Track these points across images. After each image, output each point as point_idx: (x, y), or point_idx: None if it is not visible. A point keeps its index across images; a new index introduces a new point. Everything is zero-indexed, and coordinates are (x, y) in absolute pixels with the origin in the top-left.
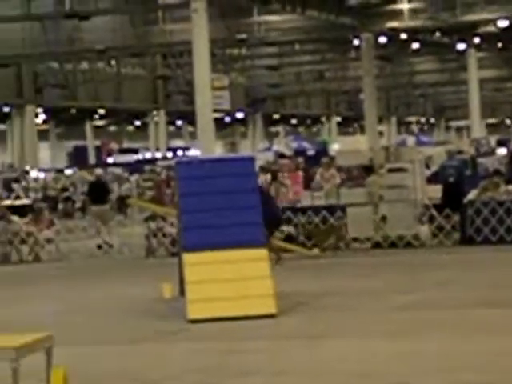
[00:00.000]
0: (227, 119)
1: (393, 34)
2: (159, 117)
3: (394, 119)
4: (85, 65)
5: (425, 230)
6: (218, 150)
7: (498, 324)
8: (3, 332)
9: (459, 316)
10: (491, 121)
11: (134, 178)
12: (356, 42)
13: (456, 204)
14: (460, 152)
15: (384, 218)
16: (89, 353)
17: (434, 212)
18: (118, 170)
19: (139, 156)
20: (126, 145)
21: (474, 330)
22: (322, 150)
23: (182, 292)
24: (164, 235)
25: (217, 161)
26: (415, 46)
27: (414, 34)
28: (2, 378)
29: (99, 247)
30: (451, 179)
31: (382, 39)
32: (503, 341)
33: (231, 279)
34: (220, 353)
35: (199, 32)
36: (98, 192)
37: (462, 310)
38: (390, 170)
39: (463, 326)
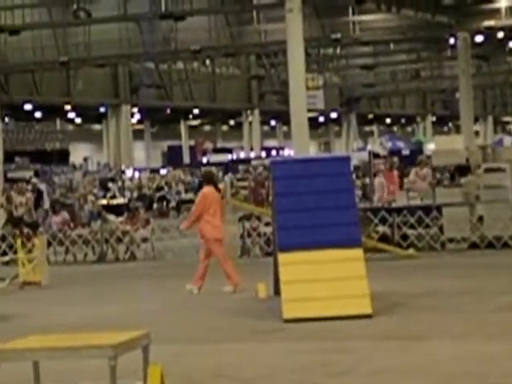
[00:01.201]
0: (321, 119)
1: (489, 32)
2: (253, 116)
3: (490, 119)
4: (180, 65)
5: None
6: (312, 150)
7: None
8: (100, 330)
9: None
10: None
11: (228, 177)
12: (452, 40)
13: None
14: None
15: (481, 219)
16: (184, 351)
17: None
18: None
19: (233, 156)
20: (220, 144)
21: None
22: (417, 150)
23: (277, 292)
24: (259, 235)
25: (312, 160)
26: None
27: (511, 32)
28: (100, 375)
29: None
30: None
31: (479, 38)
32: None
33: (326, 279)
34: (315, 353)
35: (294, 32)
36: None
37: None
38: (487, 170)
39: None
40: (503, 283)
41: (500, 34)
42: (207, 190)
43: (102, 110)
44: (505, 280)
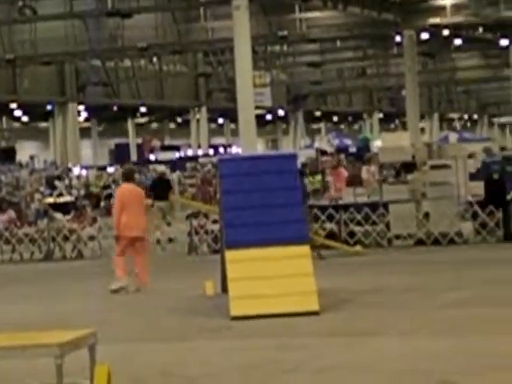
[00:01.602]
0: (269, 116)
1: (435, 30)
2: (201, 114)
3: (436, 116)
4: (127, 62)
5: (468, 227)
6: (260, 148)
7: None
8: (47, 329)
9: (506, 314)
10: None
11: (175, 175)
12: (398, 38)
13: (499, 201)
14: (503, 148)
15: (427, 215)
16: (132, 350)
17: (478, 209)
18: (159, 168)
19: (181, 153)
20: (167, 142)
21: None
22: (364, 147)
23: (225, 289)
24: (206, 232)
25: (259, 158)
26: (458, 42)
27: (456, 30)
28: (47, 374)
29: (170, 240)
30: (495, 176)
31: (424, 35)
32: None
33: (274, 276)
34: (262, 350)
35: (241, 29)
36: (161, 188)
37: (508, 308)
38: (433, 167)
39: (509, 324)
40: (449, 280)
41: (445, 32)
42: (124, 187)
43: (49, 107)
44: (451, 276)
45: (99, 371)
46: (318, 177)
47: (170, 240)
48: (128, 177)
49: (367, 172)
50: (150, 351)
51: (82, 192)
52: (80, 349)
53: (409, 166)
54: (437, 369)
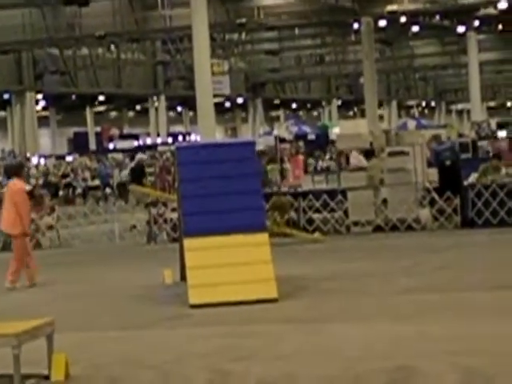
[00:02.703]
0: (227, 104)
1: (392, 17)
2: (159, 102)
3: (394, 103)
4: (84, 51)
5: (426, 214)
6: (219, 135)
7: (501, 306)
8: (3, 319)
9: (462, 299)
10: (492, 104)
11: (134, 163)
12: (356, 25)
13: (453, 187)
14: (460, 135)
15: (385, 202)
16: (90, 338)
17: (435, 195)
18: (118, 156)
19: (140, 142)
20: (126, 130)
21: (477, 312)
22: (323, 134)
23: (183, 277)
24: (165, 221)
25: (217, 146)
26: (415, 29)
27: (413, 17)
28: (4, 364)
29: (134, 227)
30: (447, 163)
31: (382, 22)
32: (507, 323)
33: (232, 264)
34: (221, 337)
35: (198, 17)
36: (138, 174)
37: (465, 292)
38: (391, 154)
39: (466, 309)
40: (407, 265)
41: (403, 19)
42: (10, 183)
43: (6, 96)
44: (409, 262)
45: (57, 360)
46: (278, 165)
47: (135, 227)
48: (13, 172)
49: (355, 158)
50: (109, 339)
51: (41, 181)
52: (37, 338)
53: (367, 153)
54: (396, 354)
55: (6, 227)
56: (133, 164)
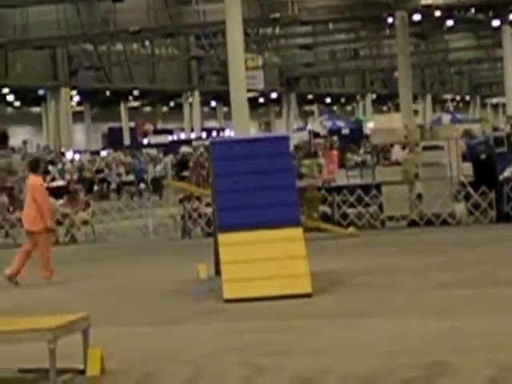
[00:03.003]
0: (261, 99)
1: (427, 11)
2: (193, 97)
3: (429, 97)
4: (119, 46)
5: (461, 208)
6: (253, 130)
7: None
8: (41, 313)
9: (497, 294)
10: None
11: (168, 158)
12: (390, 19)
13: (488, 181)
14: (496, 129)
15: (420, 196)
16: (125, 333)
17: (470, 189)
18: (152, 151)
19: (174, 137)
20: (160, 126)
21: (511, 308)
22: (357, 129)
23: (218, 272)
24: (199, 216)
25: (251, 141)
26: (450, 23)
27: (448, 11)
28: (40, 359)
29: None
30: (482, 157)
31: (417, 17)
32: None
33: (266, 259)
34: (255, 332)
35: (232, 12)
36: (183, 167)
37: (500, 288)
38: (426, 148)
39: (501, 305)
40: (442, 260)
41: (437, 13)
42: (28, 180)
43: (41, 92)
44: (444, 257)
45: (92, 355)
46: (315, 160)
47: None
48: (32, 168)
49: (396, 153)
50: (144, 334)
51: (75, 176)
52: (73, 333)
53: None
54: (430, 349)
55: (28, 224)
56: (178, 157)
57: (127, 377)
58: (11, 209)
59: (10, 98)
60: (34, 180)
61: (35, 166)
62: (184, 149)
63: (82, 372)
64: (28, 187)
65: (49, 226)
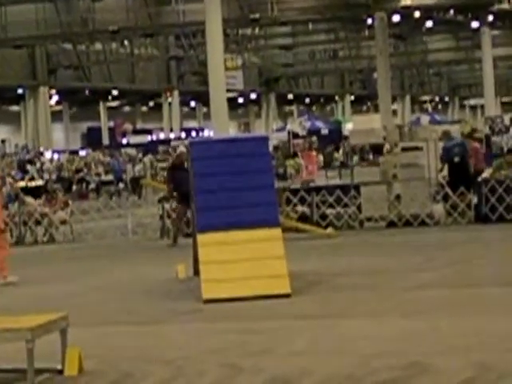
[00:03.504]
0: (241, 99)
1: (406, 12)
2: (173, 97)
3: (408, 98)
4: (98, 45)
5: (439, 209)
6: (232, 131)
7: None
8: (18, 313)
9: (475, 295)
10: (506, 99)
11: (147, 158)
12: (369, 20)
13: (462, 183)
14: (474, 130)
15: (398, 197)
16: (103, 333)
17: (449, 190)
18: (131, 151)
19: (153, 137)
20: (139, 125)
21: (489, 308)
22: (336, 130)
23: (197, 272)
24: None
25: (231, 141)
26: (429, 24)
27: (427, 12)
28: (18, 358)
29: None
30: (456, 159)
31: (396, 18)
32: None
33: (245, 259)
34: (234, 333)
35: (212, 12)
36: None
37: (478, 289)
38: (404, 149)
39: (479, 305)
40: (420, 261)
41: (417, 14)
42: None
43: (20, 91)
44: (422, 258)
45: (70, 354)
46: (296, 160)
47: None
48: None
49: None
50: (121, 334)
51: (54, 176)
52: (51, 333)
53: (378, 148)
54: (409, 350)
55: None
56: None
57: (104, 377)
58: None
59: None
60: None
61: None
62: (181, 148)
63: (60, 372)
64: None
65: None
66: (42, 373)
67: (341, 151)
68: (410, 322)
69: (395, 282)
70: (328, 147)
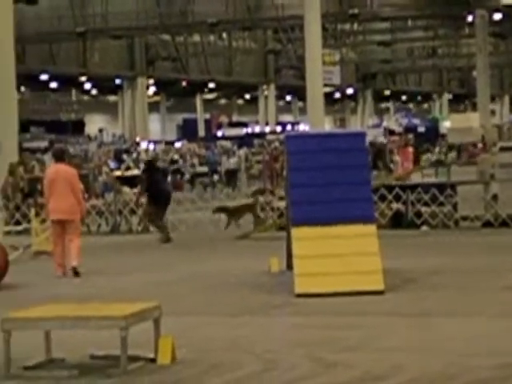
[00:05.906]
0: (337, 95)
1: (508, 10)
2: (269, 91)
3: (507, 97)
4: (196, 38)
5: None
6: (328, 126)
7: None
8: (113, 301)
9: None
10: None
11: (242, 151)
12: (470, 18)
13: None
14: None
15: (495, 197)
16: (195, 323)
17: None
18: (226, 144)
19: (248, 130)
20: (235, 118)
21: None
22: (433, 127)
23: (290, 266)
24: (272, 209)
25: (327, 136)
26: None
27: None
28: (112, 346)
29: None
30: None
31: (497, 16)
32: None
33: (339, 254)
34: (324, 328)
35: (311, 6)
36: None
37: None
38: (502, 149)
39: None
40: None
41: None
42: (50, 168)
43: (118, 81)
44: None
45: (163, 343)
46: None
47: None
48: (57, 158)
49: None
50: (214, 325)
51: None
52: (145, 321)
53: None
54: (501, 351)
55: (67, 214)
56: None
57: (196, 366)
58: (86, 196)
59: (88, 86)
60: (65, 169)
61: (58, 155)
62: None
63: (153, 360)
64: (59, 176)
65: (84, 215)
66: (135, 361)
67: (437, 149)
68: (503, 323)
69: (491, 281)
70: (424, 145)
